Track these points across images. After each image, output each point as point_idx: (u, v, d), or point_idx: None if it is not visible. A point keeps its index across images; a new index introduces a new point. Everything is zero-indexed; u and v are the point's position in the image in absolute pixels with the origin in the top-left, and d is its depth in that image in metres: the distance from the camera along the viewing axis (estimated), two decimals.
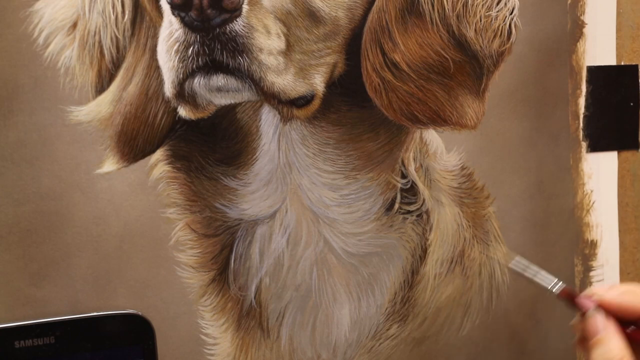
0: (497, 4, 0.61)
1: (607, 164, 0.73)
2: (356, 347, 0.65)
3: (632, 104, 0.73)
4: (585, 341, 0.51)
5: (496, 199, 0.68)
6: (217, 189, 0.61)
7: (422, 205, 0.65)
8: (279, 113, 0.58)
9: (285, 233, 0.62)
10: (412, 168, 0.64)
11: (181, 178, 0.60)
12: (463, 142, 0.66)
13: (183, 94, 0.55)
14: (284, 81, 0.55)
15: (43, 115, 0.56)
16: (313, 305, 0.63)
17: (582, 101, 0.71)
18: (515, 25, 0.63)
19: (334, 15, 0.57)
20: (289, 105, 0.57)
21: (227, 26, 0.52)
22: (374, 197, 0.64)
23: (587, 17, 0.70)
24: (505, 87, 0.66)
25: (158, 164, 0.59)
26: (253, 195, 0.61)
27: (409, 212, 0.65)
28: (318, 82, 0.58)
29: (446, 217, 0.66)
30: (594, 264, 0.73)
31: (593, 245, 0.73)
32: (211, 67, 0.53)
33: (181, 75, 0.54)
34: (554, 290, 0.54)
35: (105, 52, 0.58)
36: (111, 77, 0.58)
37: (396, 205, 0.64)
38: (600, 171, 0.72)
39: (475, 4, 0.60)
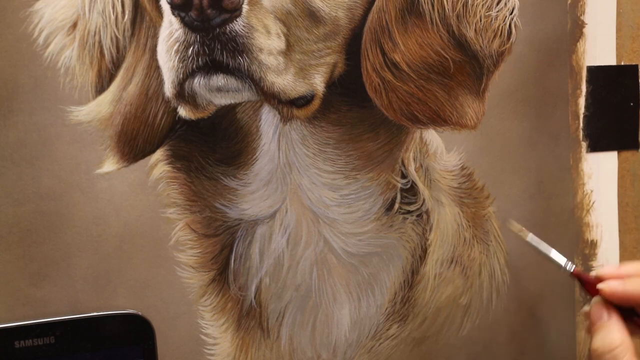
0: (497, 4, 0.61)
1: (607, 164, 0.73)
2: (356, 347, 0.65)
3: (632, 104, 0.73)
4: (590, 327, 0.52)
5: (496, 199, 0.68)
6: (217, 189, 0.61)
7: (422, 205, 0.65)
8: (279, 113, 0.58)
9: (285, 233, 0.62)
10: (412, 168, 0.64)
11: (181, 178, 0.60)
12: (463, 142, 0.66)
13: (183, 94, 0.55)
14: (284, 81, 0.55)
15: (43, 115, 0.56)
16: (313, 305, 0.64)
17: (582, 101, 0.71)
18: (515, 25, 0.63)
19: (334, 15, 0.57)
20: (289, 105, 0.57)
21: (227, 26, 0.52)
22: (374, 197, 0.64)
23: (587, 17, 0.70)
24: (505, 87, 0.66)
25: (158, 164, 0.59)
26: (253, 195, 0.61)
27: (409, 212, 0.65)
28: (318, 82, 0.58)
29: (446, 217, 0.66)
30: (594, 264, 0.73)
31: (593, 245, 0.73)
32: (211, 67, 0.53)
33: (181, 75, 0.54)
34: (567, 268, 0.57)
35: (105, 52, 0.58)
36: (111, 77, 0.58)
37: (396, 205, 0.64)
38: (600, 171, 0.72)
39: (475, 4, 0.60)
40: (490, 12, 0.61)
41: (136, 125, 0.58)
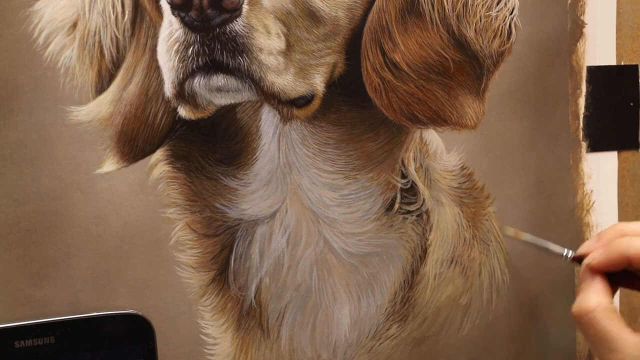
0: (497, 4, 0.61)
1: (607, 164, 0.73)
2: (356, 347, 0.65)
3: (632, 104, 0.73)
4: None
5: (496, 199, 0.68)
6: (217, 189, 0.61)
7: (422, 205, 0.65)
8: (279, 113, 0.58)
9: (285, 233, 0.62)
10: (412, 168, 0.64)
11: (181, 178, 0.60)
12: (463, 142, 0.66)
13: (183, 94, 0.55)
14: (284, 81, 0.55)
15: (43, 115, 0.56)
16: (313, 305, 0.64)
17: (582, 101, 0.71)
18: (515, 25, 0.63)
19: (334, 15, 0.57)
20: (289, 105, 0.57)
21: (227, 26, 0.52)
22: (374, 197, 0.64)
23: (587, 17, 0.70)
24: (505, 87, 0.66)
25: (158, 164, 0.59)
26: (253, 195, 0.61)
27: (409, 212, 0.65)
28: (318, 82, 0.58)
29: (446, 217, 0.66)
30: None
31: None
32: (211, 67, 0.53)
33: (181, 75, 0.54)
34: (568, 256, 0.58)
35: (105, 52, 0.58)
36: (111, 77, 0.58)
37: (396, 205, 0.64)
38: (600, 171, 0.72)
39: (475, 4, 0.60)
40: (490, 12, 0.61)
41: (136, 125, 0.58)
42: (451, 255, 0.67)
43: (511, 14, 0.62)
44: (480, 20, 0.60)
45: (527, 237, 0.61)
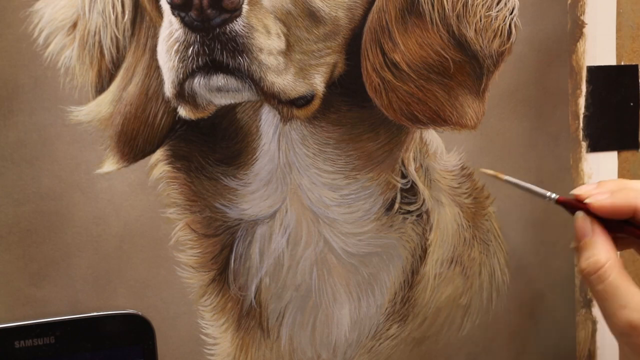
0: (497, 4, 0.61)
1: (607, 164, 0.73)
2: (356, 347, 0.65)
3: (632, 104, 0.73)
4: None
5: (496, 199, 0.68)
6: (217, 189, 0.61)
7: (422, 205, 0.65)
8: (279, 113, 0.58)
9: (285, 233, 0.62)
10: (412, 168, 0.64)
11: (181, 178, 0.60)
12: (463, 142, 0.66)
13: (183, 94, 0.55)
14: (284, 81, 0.55)
15: (43, 115, 0.56)
16: (313, 305, 0.64)
17: (582, 101, 0.71)
18: (515, 25, 0.63)
19: (334, 15, 0.57)
20: (289, 105, 0.57)
21: (227, 26, 0.52)
22: (374, 197, 0.64)
23: (587, 17, 0.70)
24: (505, 87, 0.66)
25: (158, 164, 0.59)
26: (253, 195, 0.61)
27: (409, 212, 0.65)
28: (318, 82, 0.58)
29: (446, 217, 0.66)
30: None
31: None
32: (211, 67, 0.53)
33: (181, 75, 0.54)
34: (552, 197, 0.54)
35: (105, 52, 0.58)
36: (111, 77, 0.58)
37: (396, 205, 0.64)
38: (600, 171, 0.72)
39: (475, 4, 0.60)
40: (490, 12, 0.61)
41: (136, 125, 0.58)
42: (451, 255, 0.67)
43: (511, 14, 0.62)
44: (480, 20, 0.60)
45: (507, 177, 0.58)
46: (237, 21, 0.52)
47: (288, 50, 0.55)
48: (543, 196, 0.55)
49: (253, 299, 0.62)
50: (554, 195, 0.54)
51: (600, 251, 0.49)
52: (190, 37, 0.52)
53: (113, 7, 0.57)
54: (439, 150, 0.66)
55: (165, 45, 0.53)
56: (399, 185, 0.64)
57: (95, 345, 0.55)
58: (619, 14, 0.71)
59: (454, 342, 0.68)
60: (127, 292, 0.59)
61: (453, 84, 0.61)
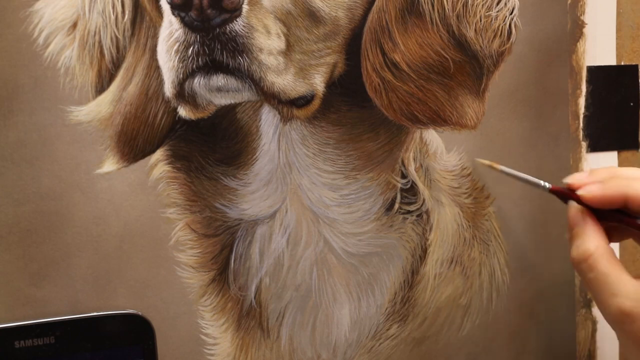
0: (497, 4, 0.61)
1: (607, 164, 0.73)
2: (356, 347, 0.65)
3: (632, 104, 0.73)
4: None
5: (496, 199, 0.68)
6: (217, 189, 0.61)
7: (422, 205, 0.65)
8: (279, 113, 0.58)
9: (285, 233, 0.62)
10: (412, 168, 0.64)
11: (181, 178, 0.60)
12: (463, 142, 0.66)
13: (183, 94, 0.55)
14: (284, 81, 0.55)
15: (43, 115, 0.56)
16: (313, 305, 0.64)
17: (582, 101, 0.71)
18: (515, 25, 0.63)
19: (334, 15, 0.57)
20: (289, 105, 0.57)
21: (227, 26, 0.52)
22: (374, 197, 0.64)
23: (587, 17, 0.70)
24: (505, 87, 0.66)
25: (158, 164, 0.59)
26: (253, 195, 0.61)
27: (409, 212, 0.65)
28: (318, 82, 0.58)
29: (446, 217, 0.66)
30: None
31: None
32: (211, 67, 0.53)
33: (181, 75, 0.54)
34: (546, 186, 0.56)
35: (105, 52, 0.58)
36: (111, 77, 0.58)
37: (396, 205, 0.64)
38: None
39: (475, 4, 0.60)
40: (490, 12, 0.61)
41: (136, 125, 0.58)
42: (451, 255, 0.67)
43: (511, 14, 0.62)
44: (480, 20, 0.60)
45: (502, 167, 0.59)
46: (237, 21, 0.52)
47: (288, 50, 0.55)
48: (537, 185, 0.56)
49: (253, 299, 0.62)
50: (547, 185, 0.55)
51: (590, 239, 0.49)
52: (190, 37, 0.52)
53: (113, 7, 0.57)
54: (439, 150, 0.66)
55: (165, 45, 0.53)
56: (399, 185, 0.64)
57: (95, 345, 0.55)
58: (619, 14, 0.71)
59: (454, 342, 0.68)
60: (127, 292, 0.58)
61: (453, 84, 0.61)
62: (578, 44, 0.70)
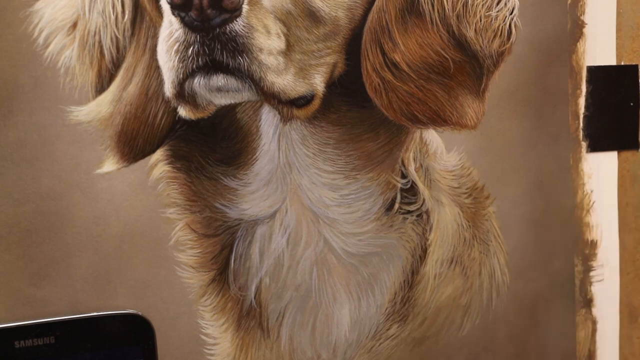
0: (497, 4, 0.61)
1: (607, 164, 0.73)
2: (356, 347, 0.65)
3: (632, 104, 0.73)
4: None
5: (496, 199, 0.68)
6: (217, 189, 0.61)
7: (422, 205, 0.65)
8: (279, 113, 0.58)
9: (285, 233, 0.62)
10: (412, 168, 0.64)
11: (181, 178, 0.60)
12: (463, 142, 0.66)
13: (183, 94, 0.55)
14: (284, 81, 0.55)
15: (43, 115, 0.56)
16: (313, 305, 0.64)
17: (582, 101, 0.71)
18: (515, 25, 0.63)
19: (334, 15, 0.57)
20: (289, 105, 0.57)
21: (227, 26, 0.52)
22: (374, 197, 0.64)
23: (587, 17, 0.70)
24: (505, 87, 0.66)
25: (158, 164, 0.59)
26: (253, 195, 0.61)
27: (409, 212, 0.65)
28: (318, 82, 0.58)
29: (446, 217, 0.66)
30: (594, 264, 0.73)
31: (593, 245, 0.73)
32: (211, 67, 0.53)
33: (181, 75, 0.54)
34: None
35: (105, 52, 0.58)
36: (111, 77, 0.58)
37: (396, 205, 0.64)
38: (600, 171, 0.72)
39: (475, 4, 0.60)
40: (490, 12, 0.61)
41: (136, 125, 0.58)
42: (451, 255, 0.67)
43: (511, 14, 0.62)
44: (480, 20, 0.60)
45: None
46: (237, 21, 0.52)
47: (288, 50, 0.55)
48: None
49: (253, 299, 0.62)
50: None
51: None
52: (190, 37, 0.52)
53: (113, 7, 0.57)
54: (439, 150, 0.66)
55: (165, 45, 0.53)
56: (399, 185, 0.64)
57: (95, 345, 0.55)
58: (619, 14, 0.71)
59: (454, 342, 0.68)
60: (127, 292, 0.59)
61: (453, 84, 0.61)
62: (578, 44, 0.70)
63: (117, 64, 0.58)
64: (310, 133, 0.61)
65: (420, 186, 0.65)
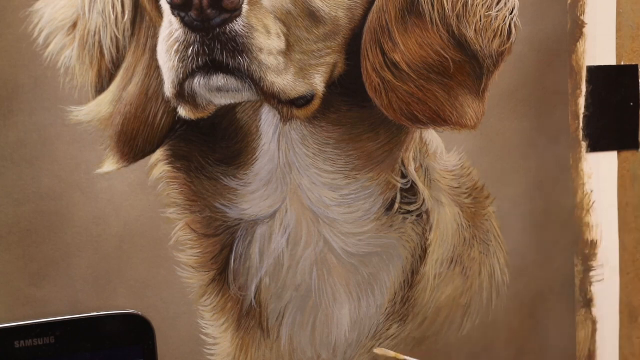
0: (497, 4, 0.61)
1: (607, 164, 0.73)
2: (356, 347, 0.65)
3: (632, 104, 0.73)
4: None
5: (496, 199, 0.68)
6: (217, 189, 0.61)
7: (422, 205, 0.65)
8: (279, 113, 0.58)
9: (285, 233, 0.62)
10: (412, 168, 0.64)
11: (181, 178, 0.60)
12: (463, 142, 0.66)
13: (183, 94, 0.55)
14: (284, 81, 0.55)
15: (43, 115, 0.56)
16: (313, 305, 0.64)
17: (582, 101, 0.71)
18: (515, 25, 0.63)
19: (334, 15, 0.57)
20: (289, 105, 0.57)
21: (227, 26, 0.52)
22: (374, 197, 0.64)
23: (587, 17, 0.70)
24: (505, 87, 0.66)
25: (158, 164, 0.59)
26: (253, 195, 0.61)
27: (409, 212, 0.65)
28: (318, 82, 0.58)
29: (446, 217, 0.66)
30: (594, 264, 0.73)
31: (593, 245, 0.73)
32: (211, 67, 0.53)
33: (181, 75, 0.54)
34: None
35: (105, 52, 0.58)
36: (111, 77, 0.58)
37: (396, 205, 0.64)
38: (600, 171, 0.72)
39: (475, 4, 0.60)
40: (490, 12, 0.61)
41: (136, 125, 0.58)
42: (451, 255, 0.67)
43: (511, 14, 0.62)
44: (480, 20, 0.60)
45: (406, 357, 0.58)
46: (237, 21, 0.52)
47: (288, 50, 0.55)
48: None
49: (253, 299, 0.62)
50: None
51: None
52: (190, 37, 0.52)
53: (113, 7, 0.57)
54: (439, 150, 0.66)
55: (165, 45, 0.53)
56: (399, 185, 0.64)
57: (95, 345, 0.55)
58: (619, 14, 0.71)
59: (454, 342, 0.68)
60: (127, 292, 0.59)
61: (453, 84, 0.61)
62: (578, 44, 0.70)
63: (117, 64, 0.58)
64: (310, 133, 0.61)
65: (420, 186, 0.65)
